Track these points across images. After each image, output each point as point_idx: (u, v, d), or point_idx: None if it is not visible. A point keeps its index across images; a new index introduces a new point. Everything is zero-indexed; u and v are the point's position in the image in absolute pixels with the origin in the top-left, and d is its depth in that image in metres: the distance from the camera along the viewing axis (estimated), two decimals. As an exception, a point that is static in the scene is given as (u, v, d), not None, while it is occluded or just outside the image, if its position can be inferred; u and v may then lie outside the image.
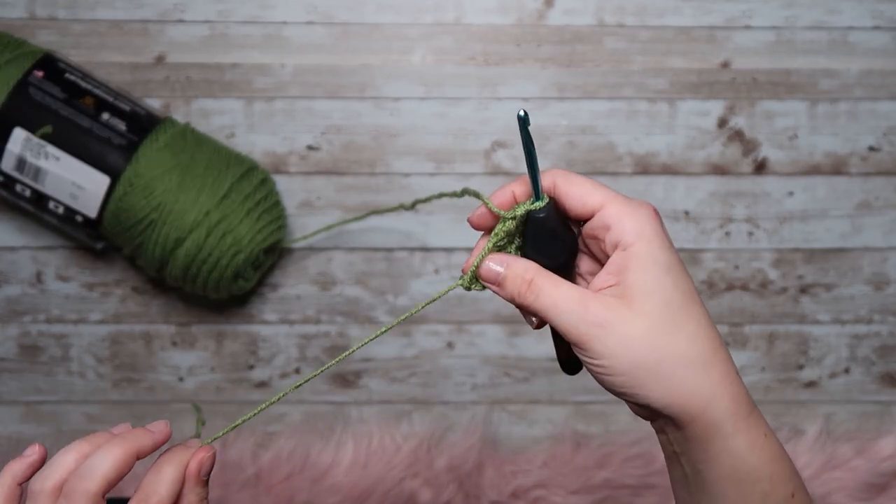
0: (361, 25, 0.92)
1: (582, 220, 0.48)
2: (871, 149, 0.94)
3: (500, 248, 0.49)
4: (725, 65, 0.93)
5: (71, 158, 0.81)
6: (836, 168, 0.94)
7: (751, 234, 0.94)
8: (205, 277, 0.83)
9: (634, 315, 0.44)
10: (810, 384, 0.95)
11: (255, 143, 0.91)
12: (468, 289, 0.50)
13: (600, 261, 0.49)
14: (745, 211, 0.93)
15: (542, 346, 0.93)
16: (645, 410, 0.46)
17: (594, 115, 0.93)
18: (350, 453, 0.89)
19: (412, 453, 0.89)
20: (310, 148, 0.92)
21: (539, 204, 0.47)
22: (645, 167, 0.93)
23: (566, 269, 0.49)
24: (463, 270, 0.50)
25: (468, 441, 0.90)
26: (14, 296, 0.92)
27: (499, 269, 0.48)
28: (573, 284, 0.46)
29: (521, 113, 0.45)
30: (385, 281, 0.92)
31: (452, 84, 0.92)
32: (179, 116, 0.91)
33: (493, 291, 0.49)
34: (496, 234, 0.49)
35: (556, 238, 0.48)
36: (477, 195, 0.50)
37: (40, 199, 0.83)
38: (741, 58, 0.93)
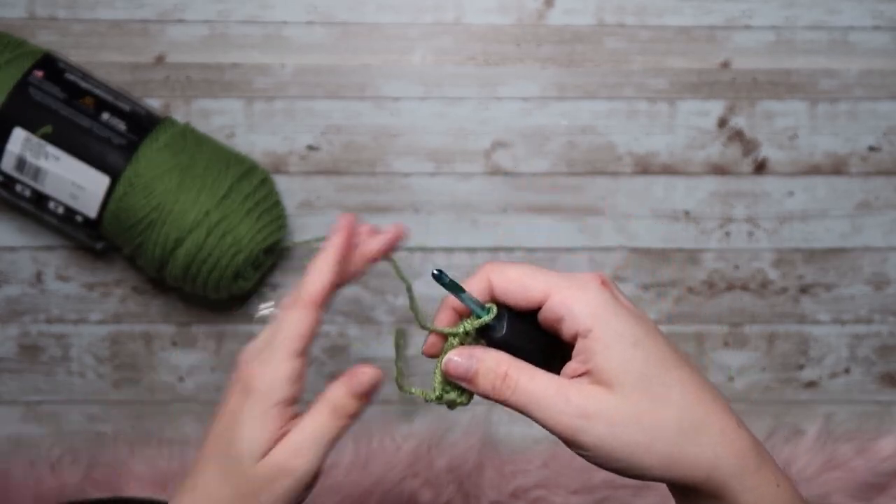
0: (361, 25, 0.92)
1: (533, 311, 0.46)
2: (871, 149, 0.94)
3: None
4: (725, 65, 0.93)
5: (71, 158, 0.81)
6: (836, 168, 0.94)
7: (751, 234, 0.94)
8: (205, 277, 0.83)
9: (616, 399, 0.43)
10: (810, 384, 0.95)
11: (255, 143, 0.91)
12: (440, 400, 0.48)
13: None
14: (745, 211, 0.93)
15: (542, 346, 0.93)
16: (649, 480, 0.45)
17: (594, 115, 0.93)
18: (350, 453, 0.89)
19: (412, 453, 0.89)
20: (310, 148, 0.92)
21: (487, 317, 0.45)
22: (645, 167, 0.93)
23: (545, 363, 0.47)
24: (423, 351, 0.49)
25: (468, 441, 0.90)
26: (14, 296, 0.92)
27: (467, 363, 0.46)
28: (549, 375, 0.44)
29: (435, 272, 0.44)
30: (385, 281, 0.92)
31: (452, 84, 0.92)
32: (179, 116, 0.91)
33: (465, 388, 0.47)
34: (451, 343, 0.47)
35: (522, 346, 0.46)
36: (422, 325, 0.48)
37: (40, 199, 0.83)
38: (741, 58, 0.93)
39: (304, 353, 0.47)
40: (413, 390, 0.49)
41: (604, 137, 0.93)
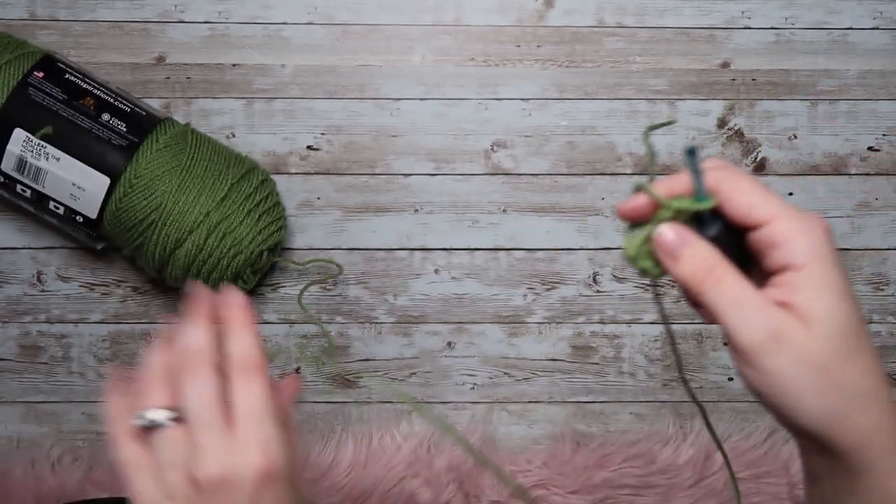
0: (361, 26, 0.92)
1: (746, 230, 0.44)
2: (871, 149, 0.94)
3: None
4: (725, 65, 0.93)
5: (71, 159, 0.81)
6: (836, 168, 0.94)
7: (751, 234, 0.93)
8: (205, 278, 0.83)
9: (812, 338, 0.42)
10: (810, 384, 0.95)
11: (255, 143, 0.91)
12: (633, 262, 0.45)
13: (764, 274, 0.45)
14: (745, 211, 0.93)
15: (542, 346, 0.93)
16: (794, 429, 0.44)
17: (594, 115, 0.93)
18: (350, 453, 0.89)
19: (412, 453, 0.89)
20: (310, 148, 0.92)
21: (708, 204, 0.43)
22: (645, 167, 0.93)
23: None
24: (618, 209, 0.45)
25: (468, 441, 0.90)
26: (14, 296, 0.92)
27: (678, 240, 0.44)
28: (755, 288, 0.43)
29: (691, 148, 0.42)
30: (385, 281, 0.92)
31: (452, 84, 0.92)
32: (179, 117, 0.91)
33: (663, 267, 0.45)
34: (656, 220, 0.44)
35: (723, 252, 0.44)
36: (643, 187, 0.45)
37: (40, 199, 0.83)
38: (741, 58, 0.93)
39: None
40: (626, 236, 0.45)
41: (604, 137, 0.93)
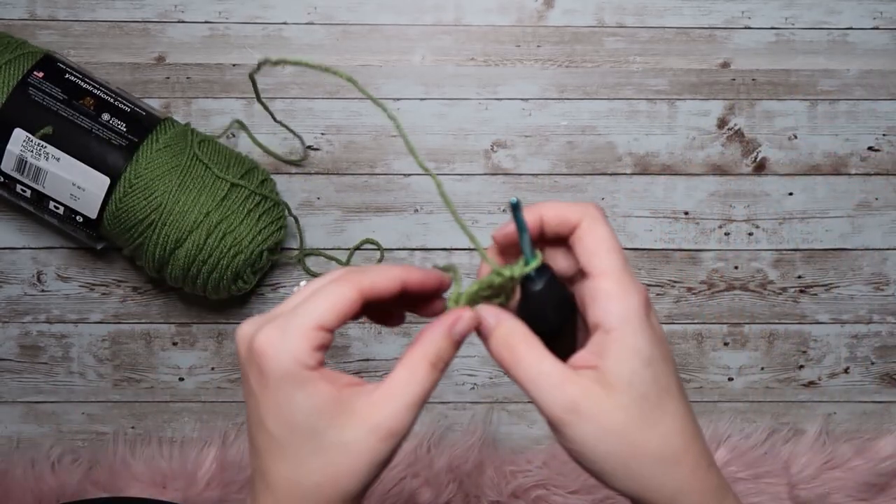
0: (361, 26, 0.92)
1: (576, 276, 0.47)
2: (871, 149, 0.94)
3: (494, 296, 0.48)
4: (725, 65, 0.93)
5: (71, 159, 0.81)
6: (836, 168, 0.94)
7: (750, 234, 0.94)
8: (205, 278, 0.83)
9: (611, 407, 0.43)
10: (810, 384, 0.95)
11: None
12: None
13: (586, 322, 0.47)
14: (745, 211, 0.93)
15: (541, 346, 0.93)
16: (612, 490, 0.46)
17: (594, 115, 0.93)
18: (350, 453, 0.89)
19: (412, 453, 0.89)
20: (310, 148, 0.92)
21: (533, 265, 0.46)
22: (645, 167, 0.93)
23: (560, 333, 0.48)
24: (478, 274, 0.49)
25: (468, 441, 0.90)
26: (14, 296, 0.92)
27: (491, 321, 0.46)
28: (555, 361, 0.45)
29: (514, 200, 0.45)
30: (385, 281, 0.92)
31: (452, 84, 0.92)
32: (179, 117, 0.91)
33: (481, 340, 0.47)
34: (482, 283, 0.47)
35: (548, 307, 0.47)
36: (482, 255, 0.48)
37: (40, 199, 0.83)
38: (741, 58, 0.93)
39: (332, 330, 0.44)
40: (448, 295, 0.48)
41: (604, 137, 0.93)
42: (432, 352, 0.45)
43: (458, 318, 0.46)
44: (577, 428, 0.44)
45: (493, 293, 0.48)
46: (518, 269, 0.47)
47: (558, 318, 0.48)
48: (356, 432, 0.43)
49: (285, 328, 0.42)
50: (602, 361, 0.44)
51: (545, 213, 0.47)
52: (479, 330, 0.47)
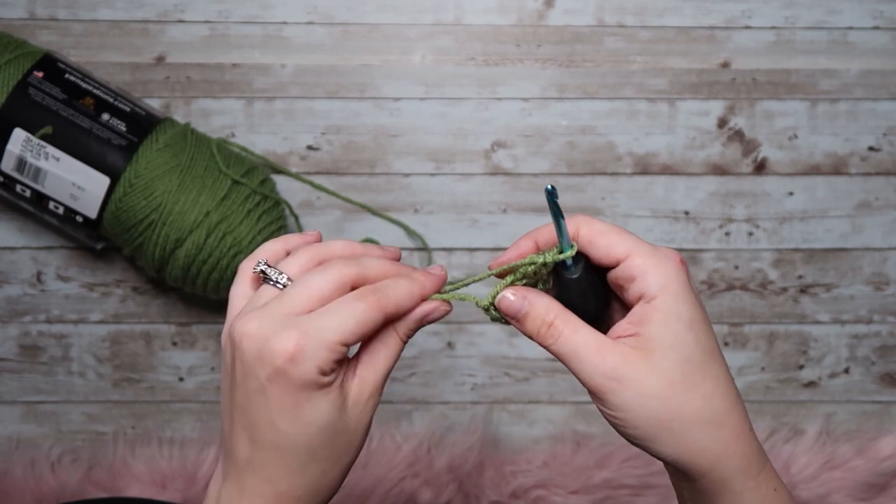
0: (361, 25, 0.92)
1: (607, 268, 0.47)
2: (871, 149, 0.94)
3: (530, 285, 0.48)
4: (725, 65, 0.93)
5: (71, 159, 0.81)
6: (836, 168, 0.94)
7: (751, 234, 0.94)
8: (205, 278, 0.83)
9: (652, 371, 0.44)
10: (810, 384, 0.95)
11: (255, 143, 0.91)
12: (487, 312, 0.49)
13: (626, 306, 0.48)
14: (745, 211, 0.93)
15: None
16: (655, 456, 0.46)
17: (594, 115, 0.93)
18: (350, 453, 0.89)
19: (412, 453, 0.89)
20: (310, 148, 0.92)
21: (569, 253, 0.46)
22: (645, 167, 0.93)
23: (598, 320, 0.48)
24: (490, 266, 0.49)
25: (468, 441, 0.90)
26: (14, 296, 0.92)
27: (519, 304, 0.47)
28: (593, 331, 0.46)
29: (549, 187, 0.45)
30: (385, 281, 0.92)
31: (452, 84, 0.92)
32: (179, 116, 0.91)
33: (514, 326, 0.48)
34: (517, 275, 0.48)
35: (587, 294, 0.48)
36: (499, 273, 0.49)
37: (40, 199, 0.83)
38: (741, 58, 0.93)
39: (349, 346, 0.45)
40: (472, 298, 0.49)
41: (604, 137, 0.93)
42: (402, 331, 0.47)
43: (434, 308, 0.48)
44: (619, 395, 0.44)
45: (529, 282, 0.48)
46: (551, 256, 0.47)
47: (596, 304, 0.48)
48: (356, 427, 0.47)
49: (310, 335, 0.43)
50: (643, 328, 0.45)
51: (538, 238, 0.48)
52: (511, 313, 0.47)
